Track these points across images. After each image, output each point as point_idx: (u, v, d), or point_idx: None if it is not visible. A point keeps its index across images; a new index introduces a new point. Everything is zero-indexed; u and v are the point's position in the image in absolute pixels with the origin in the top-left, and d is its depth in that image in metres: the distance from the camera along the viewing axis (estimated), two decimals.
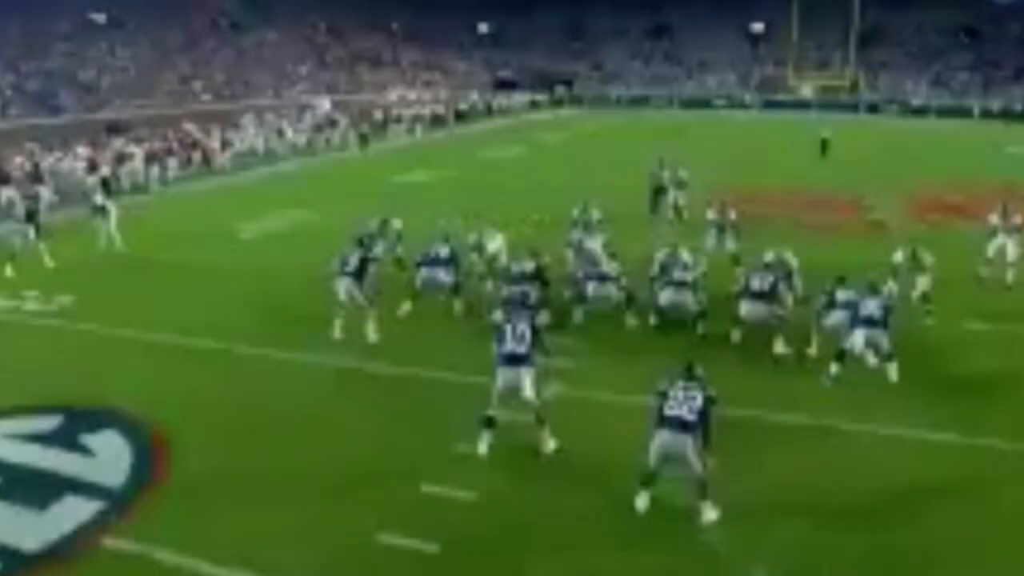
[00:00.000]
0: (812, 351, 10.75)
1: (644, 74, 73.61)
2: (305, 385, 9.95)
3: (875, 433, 8.74)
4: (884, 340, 9.88)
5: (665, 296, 11.76)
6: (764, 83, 68.00)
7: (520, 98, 64.53)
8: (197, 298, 13.33)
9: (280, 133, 35.21)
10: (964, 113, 56.35)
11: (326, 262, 12.03)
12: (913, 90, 63.35)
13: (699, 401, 7.06)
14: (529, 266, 12.07)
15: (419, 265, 12.51)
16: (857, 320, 9.93)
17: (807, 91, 64.34)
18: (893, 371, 9.90)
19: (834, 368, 9.95)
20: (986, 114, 56.10)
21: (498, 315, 10.25)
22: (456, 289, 12.41)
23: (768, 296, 10.97)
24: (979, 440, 8.56)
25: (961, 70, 65.22)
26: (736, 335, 11.17)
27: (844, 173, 27.33)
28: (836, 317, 10.54)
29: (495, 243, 14.05)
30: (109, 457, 7.96)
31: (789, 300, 11.50)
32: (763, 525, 6.99)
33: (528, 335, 8.21)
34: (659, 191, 19.90)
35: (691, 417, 6.97)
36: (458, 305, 12.40)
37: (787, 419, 9.01)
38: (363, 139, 35.54)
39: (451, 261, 12.45)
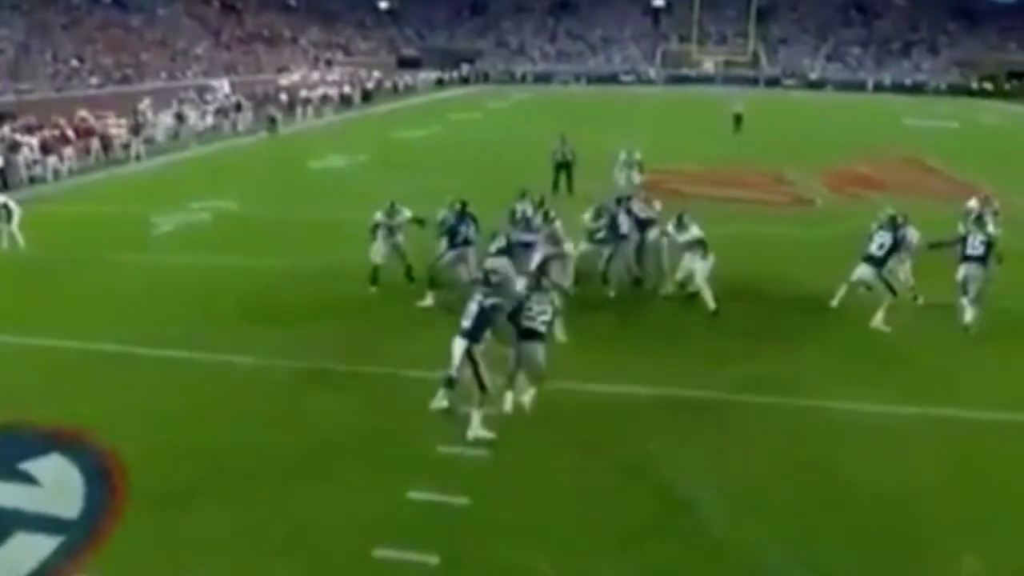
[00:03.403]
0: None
1: (548, 51, 73.72)
2: (259, 389, 9.27)
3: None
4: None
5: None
6: (668, 58, 69.11)
7: (425, 77, 63.52)
8: (120, 300, 12.33)
9: (181, 118, 33.41)
10: (859, 86, 58.90)
11: (256, 254, 11.34)
12: (810, 64, 65.71)
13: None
14: (501, 242, 11.67)
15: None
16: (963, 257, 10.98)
17: (710, 66, 65.84)
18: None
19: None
20: (879, 87, 58.70)
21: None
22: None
23: None
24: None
25: (854, 45, 68.01)
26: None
27: (759, 148, 27.97)
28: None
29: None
30: (58, 485, 7.20)
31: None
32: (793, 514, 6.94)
33: (474, 313, 8.10)
34: (561, 168, 19.93)
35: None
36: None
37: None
38: (272, 123, 34.11)
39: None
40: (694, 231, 11.74)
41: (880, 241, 11.02)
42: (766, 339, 10.80)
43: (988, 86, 60.73)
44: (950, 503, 7.20)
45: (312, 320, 11.40)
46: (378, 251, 12.46)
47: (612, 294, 12.26)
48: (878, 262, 10.94)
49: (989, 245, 10.94)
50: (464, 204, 12.31)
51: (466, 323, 8.11)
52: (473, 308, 8.14)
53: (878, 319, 10.97)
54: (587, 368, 9.57)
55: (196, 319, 11.43)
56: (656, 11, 73.93)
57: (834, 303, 11.51)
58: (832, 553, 6.48)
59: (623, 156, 19.82)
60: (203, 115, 34.86)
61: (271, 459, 7.76)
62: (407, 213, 12.71)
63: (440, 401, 8.57)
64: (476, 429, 8.07)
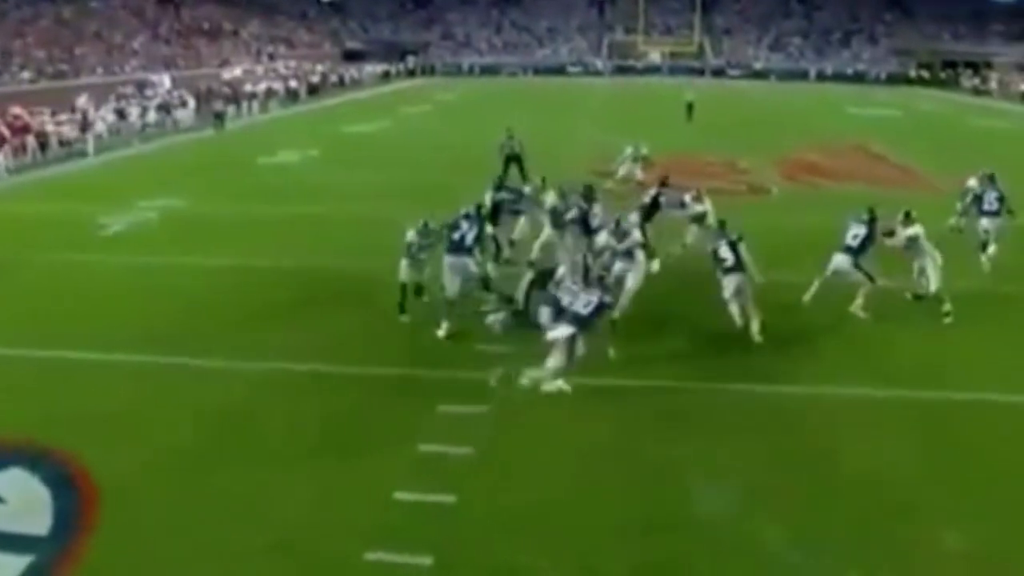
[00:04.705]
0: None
1: (495, 42, 73.51)
2: (228, 393, 8.93)
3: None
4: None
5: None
6: (614, 49, 69.46)
7: (372, 70, 62.74)
8: (70, 303, 11.79)
9: (121, 114, 32.36)
10: (802, 76, 60.00)
11: (210, 254, 10.96)
12: (754, 54, 66.72)
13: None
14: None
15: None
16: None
17: (656, 57, 66.36)
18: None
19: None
20: (821, 76, 59.90)
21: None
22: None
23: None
24: None
25: (795, 35, 69.27)
26: None
27: (712, 137, 28.19)
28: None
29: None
30: (23, 500, 6.82)
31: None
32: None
33: (594, 305, 8.77)
34: (510, 161, 19.89)
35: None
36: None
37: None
38: (218, 118, 33.26)
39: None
40: (635, 236, 11.02)
41: (855, 232, 11.00)
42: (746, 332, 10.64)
43: (925, 74, 62.46)
44: (929, 483, 7.29)
45: (271, 320, 11.06)
46: (405, 270, 11.20)
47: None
48: (853, 251, 10.91)
49: (1002, 200, 13.40)
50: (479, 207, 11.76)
51: (584, 312, 8.65)
52: (593, 300, 8.75)
53: (857, 304, 11.03)
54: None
55: (154, 321, 11.00)
56: (601, 2, 74.23)
57: (807, 298, 11.20)
58: (816, 532, 6.53)
59: (629, 150, 20.12)
60: (144, 111, 33.84)
61: (245, 464, 7.50)
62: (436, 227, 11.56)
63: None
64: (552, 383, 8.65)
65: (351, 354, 9.91)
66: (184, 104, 35.77)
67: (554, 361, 8.70)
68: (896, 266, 11.52)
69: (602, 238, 11.84)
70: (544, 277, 9.98)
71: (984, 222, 13.40)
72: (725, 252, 10.50)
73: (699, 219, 13.33)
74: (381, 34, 73.34)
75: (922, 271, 11.14)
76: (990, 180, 14.06)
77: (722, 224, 11.22)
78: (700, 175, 21.40)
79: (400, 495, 6.93)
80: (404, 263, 10.98)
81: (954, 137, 32.39)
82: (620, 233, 11.02)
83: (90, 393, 8.91)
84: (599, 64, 67.00)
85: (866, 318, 10.99)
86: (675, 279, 12.00)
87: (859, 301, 11.04)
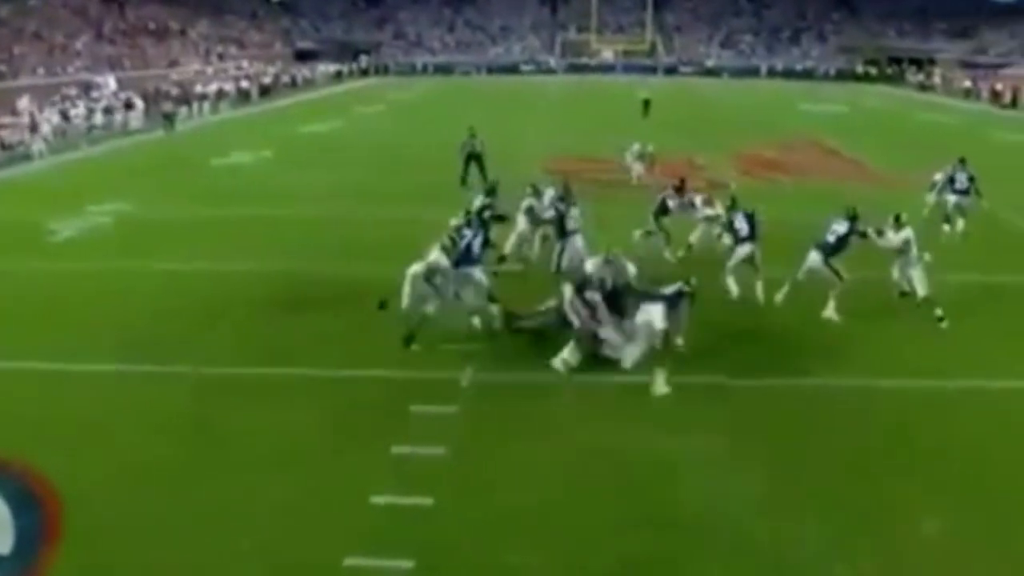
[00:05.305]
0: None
1: (448, 41, 73.25)
2: (195, 400, 8.70)
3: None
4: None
5: None
6: (567, 48, 69.69)
7: (324, 69, 61.98)
8: (24, 312, 11.40)
9: (66, 116, 31.47)
10: (753, 73, 60.88)
11: (166, 258, 10.66)
12: (706, 52, 67.50)
13: None
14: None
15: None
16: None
17: (609, 55, 66.72)
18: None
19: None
20: (772, 73, 60.83)
21: None
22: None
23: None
24: None
25: (746, 33, 70.28)
26: None
27: (669, 133, 28.39)
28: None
29: None
30: None
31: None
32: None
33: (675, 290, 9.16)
34: (471, 159, 19.88)
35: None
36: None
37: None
38: (168, 120, 32.52)
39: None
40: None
41: (835, 229, 10.99)
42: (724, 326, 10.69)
43: (872, 71, 63.83)
44: (909, 469, 7.42)
45: (234, 325, 10.86)
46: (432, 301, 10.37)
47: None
48: (827, 249, 10.90)
49: (972, 180, 15.08)
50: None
51: (670, 293, 9.02)
52: (674, 287, 9.13)
53: (829, 309, 10.93)
54: (524, 356, 9.57)
55: (114, 328, 10.68)
56: (554, 1, 74.40)
57: (779, 298, 11.25)
58: (795, 518, 6.60)
59: (636, 147, 20.45)
60: (91, 113, 32.95)
61: (216, 471, 7.32)
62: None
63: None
64: (660, 387, 8.73)
65: (318, 357, 9.75)
66: (132, 106, 34.90)
67: (638, 347, 8.99)
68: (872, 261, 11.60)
69: (578, 242, 11.88)
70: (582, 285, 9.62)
71: (954, 199, 15.05)
72: (741, 223, 11.56)
73: (711, 221, 13.22)
74: (333, 34, 72.56)
75: (903, 271, 11.08)
76: (961, 164, 15.48)
77: (734, 200, 12.11)
78: (656, 171, 21.59)
79: (377, 499, 6.83)
80: (427, 289, 9.77)
81: (902, 132, 33.16)
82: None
83: (50, 405, 8.61)
84: (552, 63, 67.18)
85: (839, 321, 10.86)
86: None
87: (831, 304, 10.91)
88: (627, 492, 7.02)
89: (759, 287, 11.40)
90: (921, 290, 10.84)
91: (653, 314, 8.83)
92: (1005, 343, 10.39)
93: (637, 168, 20.27)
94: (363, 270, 12.50)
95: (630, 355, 9.02)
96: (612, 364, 9.27)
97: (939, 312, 10.73)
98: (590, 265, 9.85)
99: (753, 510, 6.74)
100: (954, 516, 6.70)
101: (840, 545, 6.32)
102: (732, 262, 11.57)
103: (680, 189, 13.91)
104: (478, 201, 12.61)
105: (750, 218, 11.59)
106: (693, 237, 13.48)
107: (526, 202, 13.03)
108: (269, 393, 8.91)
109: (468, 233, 10.40)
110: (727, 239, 11.97)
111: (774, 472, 7.34)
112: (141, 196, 19.12)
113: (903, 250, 11.00)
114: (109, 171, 23.98)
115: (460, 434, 7.94)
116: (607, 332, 9.22)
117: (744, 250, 11.50)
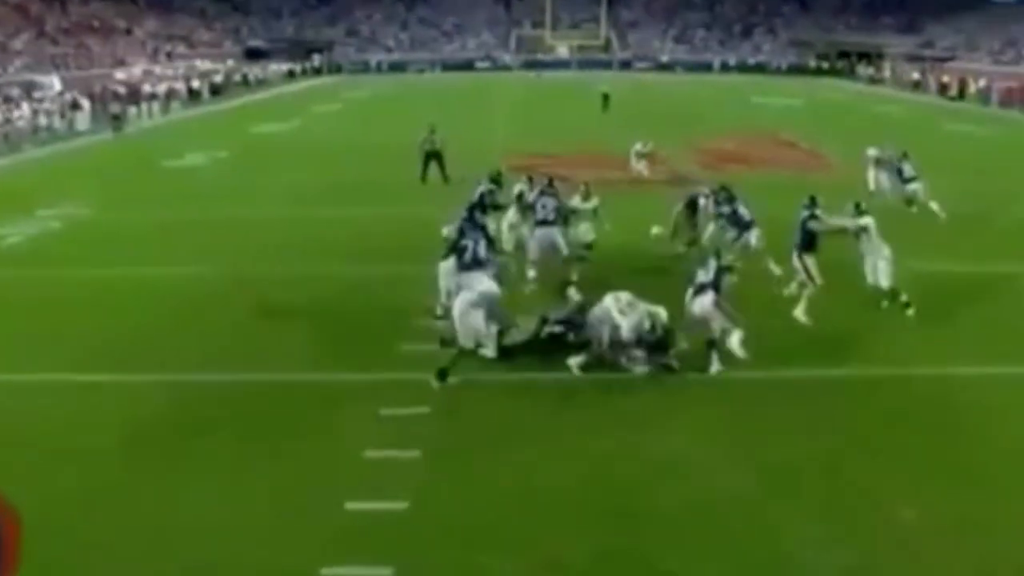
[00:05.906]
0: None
1: (402, 39, 72.68)
2: (158, 409, 8.33)
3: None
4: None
5: None
6: (522, 44, 69.62)
7: (276, 68, 61.07)
8: None
9: (7, 118, 30.43)
10: (706, 67, 61.48)
11: (118, 264, 10.28)
12: (660, 47, 67.98)
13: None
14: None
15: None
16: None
17: (564, 51, 66.81)
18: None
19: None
20: (725, 67, 61.48)
21: None
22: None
23: None
24: None
25: (699, 27, 70.96)
26: None
27: (629, 128, 28.40)
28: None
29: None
30: None
31: None
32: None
33: (714, 268, 9.29)
34: (430, 157, 19.71)
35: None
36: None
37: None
38: (116, 121, 31.67)
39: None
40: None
41: (800, 220, 10.86)
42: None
43: (823, 64, 64.90)
44: (883, 458, 7.42)
45: (193, 330, 10.54)
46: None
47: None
48: (796, 246, 10.80)
49: (916, 168, 16.42)
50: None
51: (712, 277, 9.18)
52: (712, 263, 9.32)
53: (799, 310, 10.66)
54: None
55: (68, 337, 10.27)
56: None
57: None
58: (771, 505, 6.59)
59: (638, 146, 20.64)
60: (35, 114, 31.94)
61: (185, 481, 7.03)
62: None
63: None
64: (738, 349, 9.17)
65: (283, 361, 9.49)
66: (78, 106, 33.92)
67: (719, 325, 9.13)
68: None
69: (553, 234, 11.78)
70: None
71: (911, 187, 16.30)
72: (744, 210, 12.04)
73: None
74: (284, 32, 71.53)
75: (873, 265, 10.85)
76: (904, 156, 16.72)
77: (726, 187, 12.71)
78: (621, 166, 21.59)
79: (352, 505, 6.62)
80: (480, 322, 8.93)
81: (854, 123, 33.68)
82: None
83: (3, 417, 8.22)
84: (507, 59, 67.06)
85: (809, 323, 10.55)
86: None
87: (801, 306, 10.64)
88: (605, 490, 6.91)
89: (769, 262, 11.97)
90: (884, 281, 10.81)
91: (706, 307, 8.99)
92: (960, 333, 10.46)
93: (639, 166, 20.47)
94: (327, 270, 12.22)
95: (642, 370, 9.09)
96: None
97: (904, 298, 10.77)
98: (626, 326, 8.97)
99: (738, 504, 6.68)
100: (942, 506, 6.69)
101: (825, 537, 6.28)
102: (759, 244, 11.98)
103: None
104: (481, 187, 12.47)
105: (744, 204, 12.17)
106: (706, 234, 13.19)
107: (517, 189, 13.06)
108: (235, 399, 8.61)
109: (468, 242, 9.81)
110: (731, 232, 12.03)
111: (761, 465, 7.27)
112: (92, 200, 18.54)
113: (860, 236, 10.88)
114: (57, 174, 23.22)
115: (432, 435, 7.77)
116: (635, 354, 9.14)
117: (755, 233, 11.94)
